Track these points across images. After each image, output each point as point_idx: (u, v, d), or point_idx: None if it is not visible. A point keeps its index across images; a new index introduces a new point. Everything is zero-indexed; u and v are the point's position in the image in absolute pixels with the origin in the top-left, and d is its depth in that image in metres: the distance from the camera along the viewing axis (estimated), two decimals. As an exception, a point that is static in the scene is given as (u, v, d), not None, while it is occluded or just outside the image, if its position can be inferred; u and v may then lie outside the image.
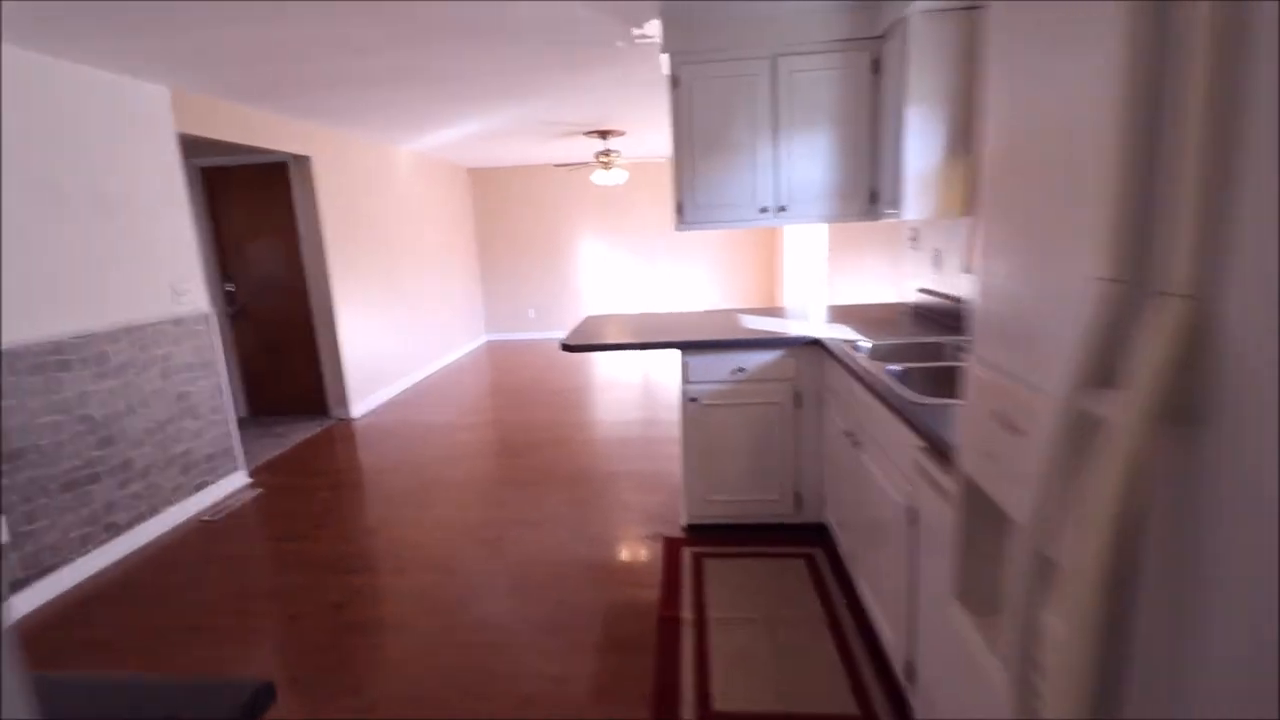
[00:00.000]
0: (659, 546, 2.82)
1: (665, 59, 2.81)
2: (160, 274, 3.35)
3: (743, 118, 2.78)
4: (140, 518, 3.15)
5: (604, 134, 5.56)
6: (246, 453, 4.29)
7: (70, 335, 2.84)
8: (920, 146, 2.43)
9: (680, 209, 2.89)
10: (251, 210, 5.02)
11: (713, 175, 2.83)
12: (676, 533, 2.92)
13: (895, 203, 2.53)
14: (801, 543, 2.73)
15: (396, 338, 5.95)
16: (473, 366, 7.00)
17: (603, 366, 6.51)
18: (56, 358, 2.77)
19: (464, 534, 3.05)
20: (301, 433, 4.79)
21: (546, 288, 8.44)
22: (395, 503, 3.48)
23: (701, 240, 8.21)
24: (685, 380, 2.71)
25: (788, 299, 7.14)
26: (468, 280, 7.98)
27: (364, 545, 3.01)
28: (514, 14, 2.59)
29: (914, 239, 3.19)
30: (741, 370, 2.66)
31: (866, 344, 2.43)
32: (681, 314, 3.44)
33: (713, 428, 2.73)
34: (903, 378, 1.99)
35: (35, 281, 2.71)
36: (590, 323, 3.27)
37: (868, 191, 2.78)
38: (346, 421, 5.06)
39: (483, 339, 8.45)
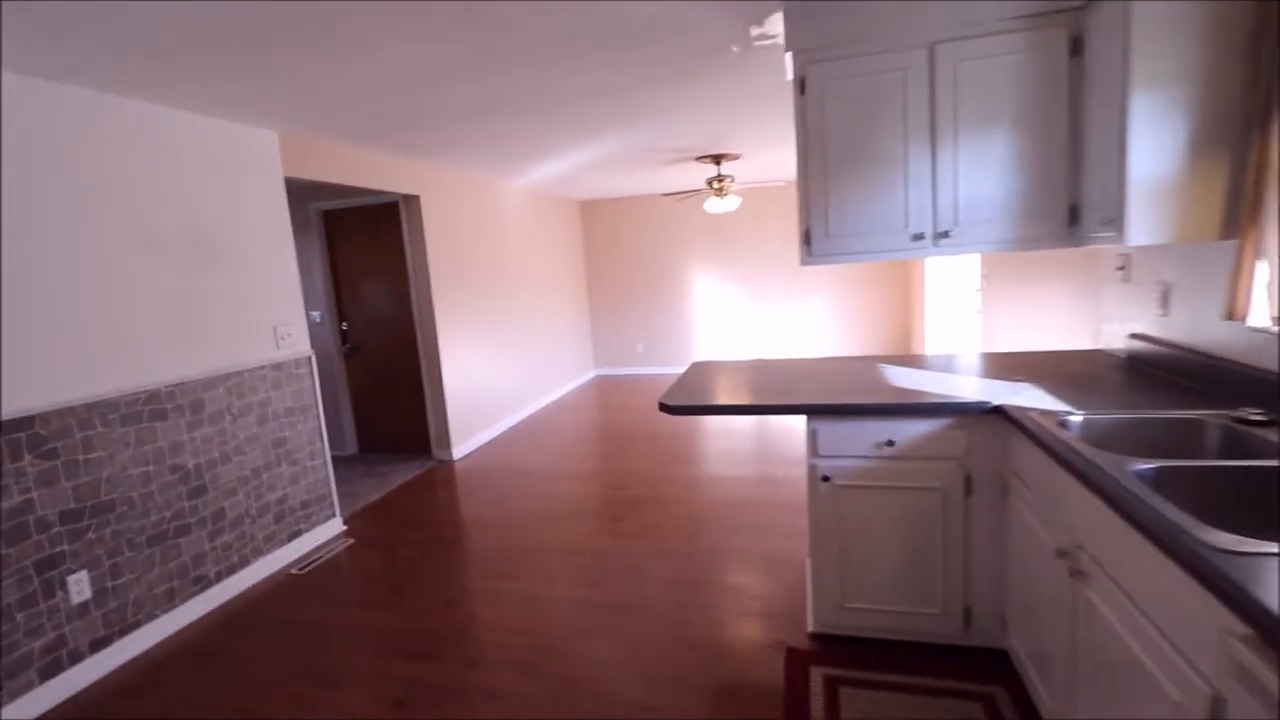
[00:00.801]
0: (780, 659, 2.25)
1: (789, 60, 2.32)
2: (263, 318, 3.30)
3: (890, 124, 2.22)
4: (230, 569, 3.05)
5: (717, 159, 5.14)
6: (346, 495, 4.21)
7: (167, 383, 2.79)
8: (1151, 146, 1.75)
9: (807, 239, 2.37)
10: (365, 250, 5.07)
11: (850, 197, 2.29)
12: (802, 641, 2.33)
13: (1112, 222, 1.86)
14: (975, 675, 2.06)
15: (502, 375, 5.80)
16: (579, 403, 6.74)
17: (714, 407, 6.02)
18: (151, 407, 2.72)
19: (549, 619, 2.64)
20: (402, 474, 4.68)
21: (655, 322, 8.09)
22: (480, 569, 3.16)
23: (823, 270, 7.51)
24: (814, 453, 2.15)
25: (930, 343, 6.26)
26: (577, 314, 7.81)
27: (440, 622, 2.69)
28: (614, 20, 2.23)
29: (1123, 269, 2.44)
30: (890, 444, 2.06)
31: (1075, 416, 1.76)
32: (806, 361, 2.88)
33: (851, 515, 2.14)
34: (1158, 483, 1.34)
35: (134, 329, 2.68)
36: (696, 372, 2.80)
37: (1066, 209, 2.11)
38: (447, 464, 4.90)
39: (591, 374, 8.23)
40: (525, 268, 6.39)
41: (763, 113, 3.83)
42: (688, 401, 2.27)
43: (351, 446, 5.32)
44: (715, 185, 5.21)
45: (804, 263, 2.40)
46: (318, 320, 5.18)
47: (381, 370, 5.16)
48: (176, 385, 2.83)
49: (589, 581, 2.94)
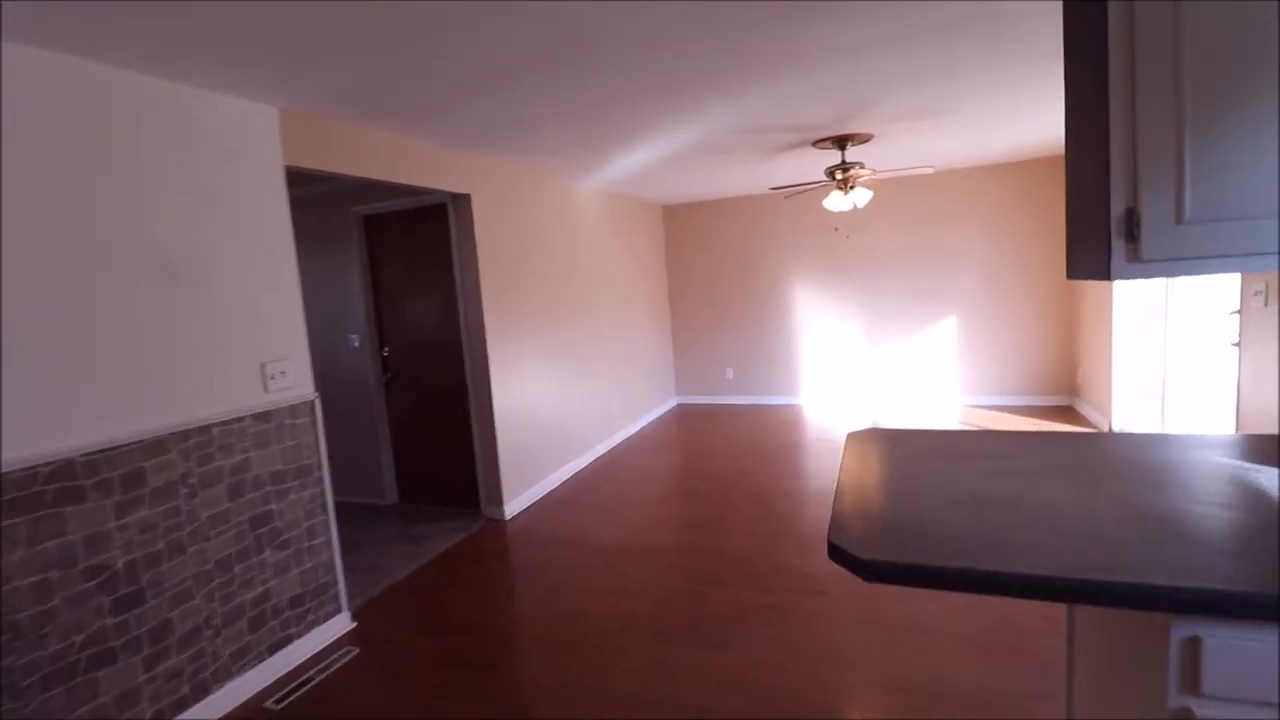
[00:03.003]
0: None
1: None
2: (245, 353, 2.46)
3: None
4: (178, 706, 2.19)
5: (842, 141, 3.99)
6: (368, 569, 3.34)
7: (86, 449, 1.96)
8: None
9: (1132, 229, 1.21)
10: (409, 261, 4.25)
11: (1241, 146, 1.12)
12: None
13: None
14: None
15: (566, 409, 4.84)
16: (659, 441, 5.70)
17: (828, 446, 4.81)
18: (58, 486, 1.89)
19: None
20: (442, 538, 3.77)
21: (749, 344, 6.95)
22: (520, 722, 2.16)
23: (958, 281, 6.15)
24: (1188, 687, 1.00)
25: (1120, 388, 4.79)
26: (658, 335, 6.79)
27: None
28: None
29: None
30: None
31: None
32: (1047, 440, 1.70)
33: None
34: None
35: (40, 375, 1.86)
36: (863, 458, 1.68)
37: None
38: (498, 524, 3.97)
39: (672, 402, 7.18)
40: (596, 281, 5.43)
41: (912, 66, 2.68)
42: (883, 538, 1.17)
43: (391, 494, 4.50)
44: (840, 175, 4.06)
45: (1117, 274, 1.24)
46: (356, 345, 4.41)
47: (426, 403, 4.32)
48: (101, 452, 2.00)
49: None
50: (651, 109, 3.08)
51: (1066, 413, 5.70)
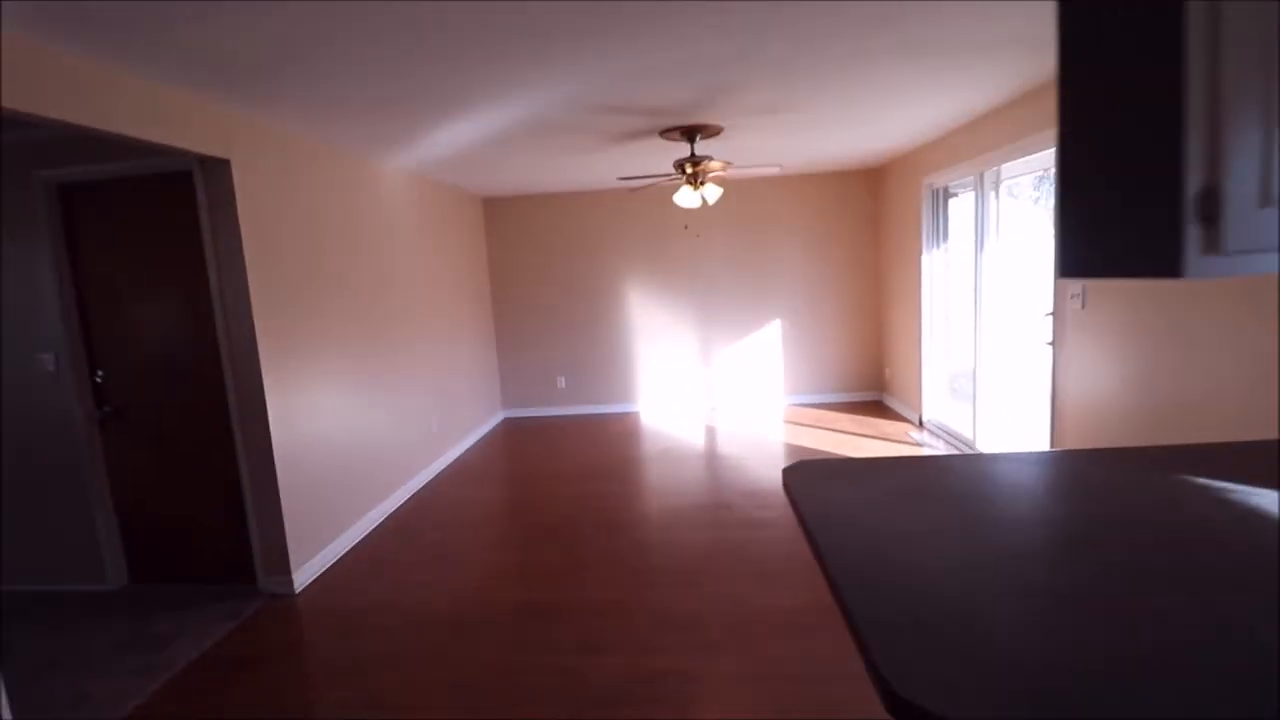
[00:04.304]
0: None
1: None
2: None
3: None
4: None
5: (691, 133, 3.67)
6: (78, 699, 2.23)
7: None
8: None
9: (1211, 210, 0.91)
10: (134, 249, 3.07)
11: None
12: None
13: None
14: None
15: (372, 436, 3.93)
16: (485, 466, 4.96)
17: (678, 438, 4.49)
18: None
19: None
20: (199, 633, 2.72)
21: (583, 350, 6.47)
22: None
23: (778, 285, 6.28)
24: None
25: (930, 388, 5.13)
26: (480, 343, 6.01)
27: None
28: None
29: None
30: None
31: None
32: (1030, 460, 1.43)
33: None
34: None
35: None
36: (837, 512, 1.27)
37: None
38: (283, 601, 3.00)
39: (499, 416, 6.44)
40: (409, 282, 4.55)
41: (785, 43, 2.41)
42: (982, 678, 0.73)
43: (116, 575, 3.23)
44: (690, 169, 3.73)
45: (1194, 271, 0.93)
46: (50, 369, 3.09)
47: (167, 444, 3.15)
48: None
49: None
50: (475, 59, 2.43)
51: (877, 407, 6.07)
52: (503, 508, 4.14)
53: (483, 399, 6.01)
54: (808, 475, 1.49)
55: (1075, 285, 3.19)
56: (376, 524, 3.81)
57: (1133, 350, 2.80)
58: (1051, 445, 3.50)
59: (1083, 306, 3.15)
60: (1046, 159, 3.60)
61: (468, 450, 5.39)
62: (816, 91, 3.10)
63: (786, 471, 1.52)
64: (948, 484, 1.39)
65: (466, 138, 3.65)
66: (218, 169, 2.83)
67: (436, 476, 4.70)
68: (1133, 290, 2.79)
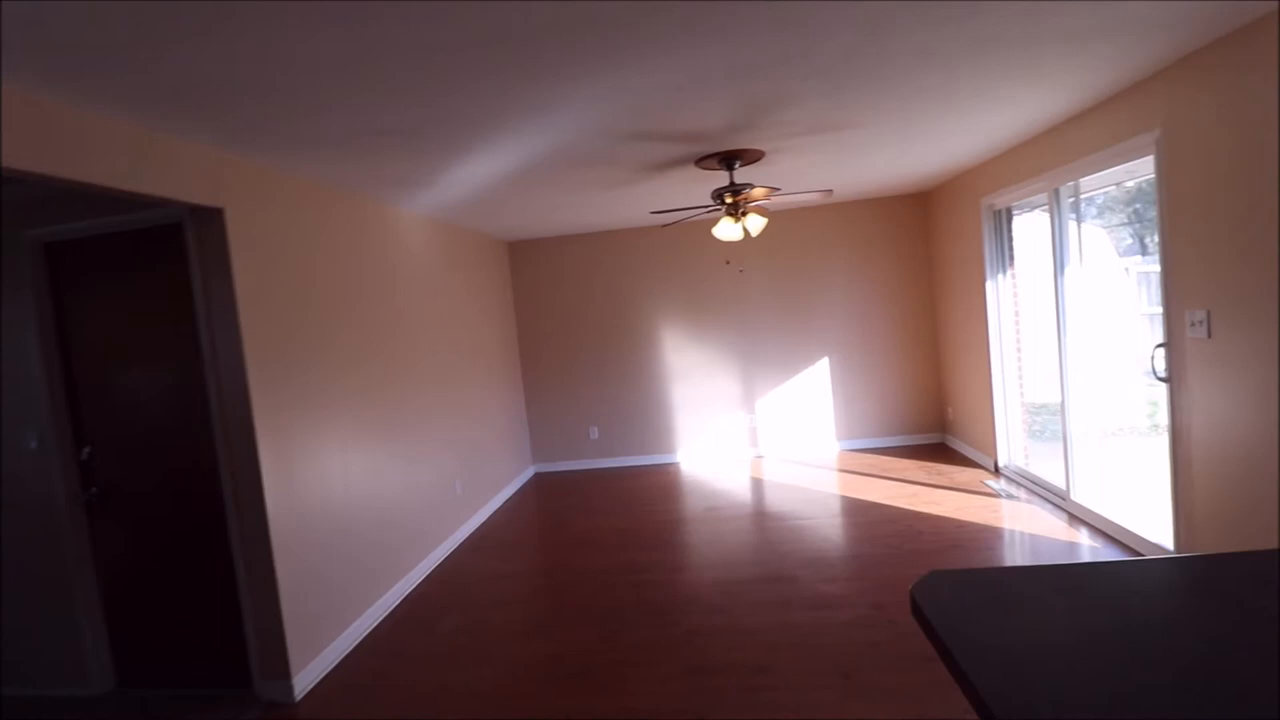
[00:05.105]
0: None
1: None
2: None
3: None
4: None
5: (729, 159, 3.31)
6: None
7: None
8: None
9: None
10: (124, 313, 2.80)
11: None
12: None
13: None
14: None
15: (386, 508, 3.55)
16: (514, 532, 4.53)
17: (723, 492, 3.98)
18: None
19: None
20: (180, 757, 2.32)
21: (615, 399, 6.06)
22: None
23: (828, 324, 5.82)
24: None
25: (1001, 428, 4.57)
26: (508, 394, 5.66)
27: None
28: None
29: None
30: None
31: None
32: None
33: None
34: None
35: None
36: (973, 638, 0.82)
37: None
38: (281, 711, 2.58)
39: (529, 472, 6.03)
40: (427, 333, 4.24)
41: (828, 57, 2.03)
42: None
43: (101, 679, 2.86)
44: (730, 198, 3.36)
45: None
46: (33, 446, 2.81)
47: (159, 529, 2.81)
48: None
49: None
50: (494, 82, 2.11)
51: (941, 450, 5.50)
52: (533, 584, 3.70)
53: (511, 454, 5.62)
54: (949, 595, 1.04)
55: (1198, 311, 2.68)
56: (391, 608, 3.39)
57: (1276, 383, 2.27)
58: (1175, 496, 2.93)
59: (1209, 335, 2.63)
60: (1138, 168, 3.14)
61: (495, 512, 4.98)
62: (871, 103, 2.72)
63: (917, 590, 1.07)
64: (1137, 609, 0.92)
65: (486, 175, 3.36)
66: (209, 219, 2.55)
67: (460, 546, 4.29)
68: (1275, 311, 2.27)
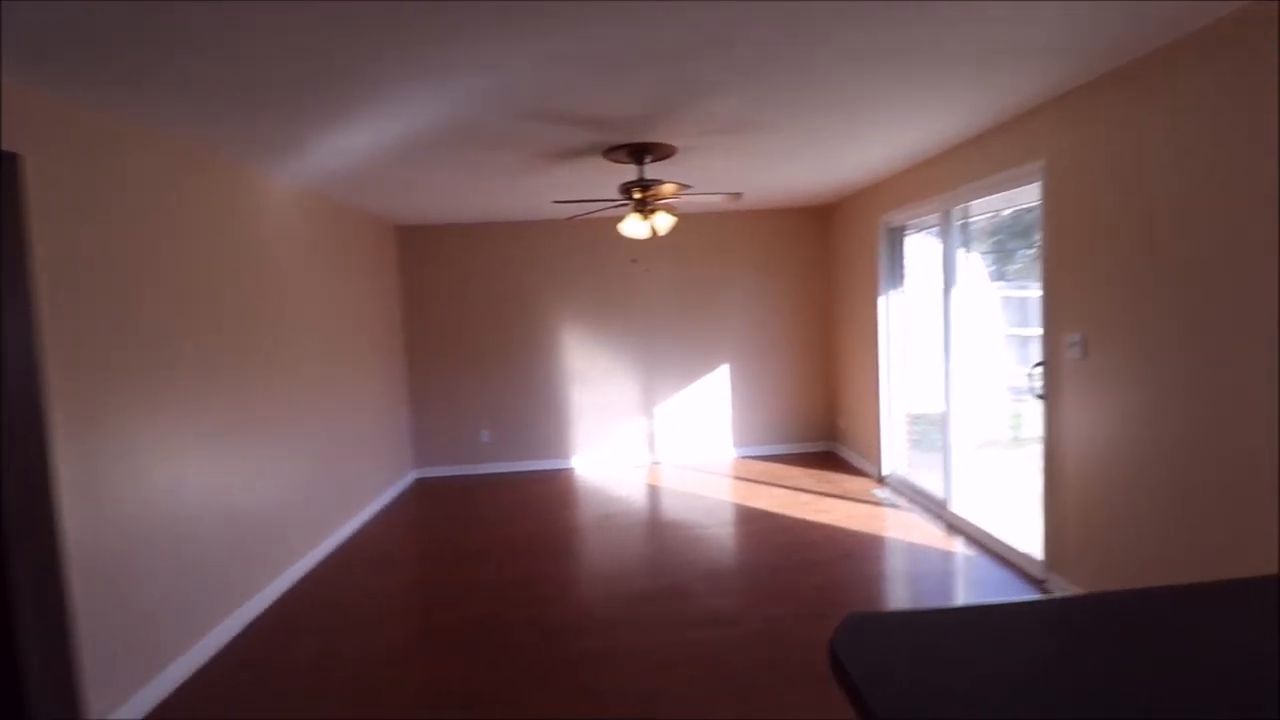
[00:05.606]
0: None
1: None
2: None
3: None
4: None
5: (639, 153, 3.16)
6: None
7: None
8: None
9: None
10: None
11: None
12: None
13: None
14: None
15: (231, 517, 3.08)
16: (390, 544, 4.13)
17: (620, 499, 3.81)
18: None
19: None
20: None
21: (508, 400, 5.75)
22: None
23: (726, 333, 5.84)
24: None
25: (887, 440, 4.72)
26: (389, 394, 5.20)
27: None
28: None
29: None
30: None
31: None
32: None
33: None
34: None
35: None
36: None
37: None
38: (74, 771, 2.11)
39: (410, 477, 5.58)
40: (293, 320, 3.76)
41: (756, 48, 1.94)
42: None
43: None
44: (639, 194, 3.21)
45: None
46: None
47: (-83, 549, 2.22)
48: None
49: None
50: (373, 29, 1.81)
51: (831, 459, 5.65)
52: (408, 600, 3.34)
53: (390, 457, 5.16)
54: (875, 640, 0.91)
55: (1074, 334, 2.83)
56: (235, 633, 2.93)
57: (1145, 402, 2.42)
58: (1046, 506, 3.09)
59: (1083, 356, 2.79)
60: (1017, 197, 3.31)
61: (369, 521, 4.53)
62: (787, 101, 2.65)
63: (837, 641, 0.93)
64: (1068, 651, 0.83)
65: (370, 144, 3.00)
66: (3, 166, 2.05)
67: (325, 560, 3.83)
68: (1144, 335, 2.42)
